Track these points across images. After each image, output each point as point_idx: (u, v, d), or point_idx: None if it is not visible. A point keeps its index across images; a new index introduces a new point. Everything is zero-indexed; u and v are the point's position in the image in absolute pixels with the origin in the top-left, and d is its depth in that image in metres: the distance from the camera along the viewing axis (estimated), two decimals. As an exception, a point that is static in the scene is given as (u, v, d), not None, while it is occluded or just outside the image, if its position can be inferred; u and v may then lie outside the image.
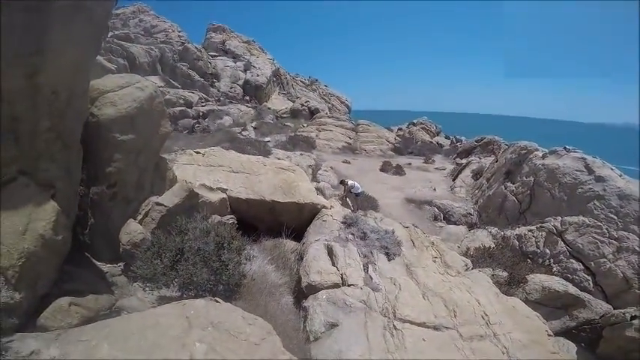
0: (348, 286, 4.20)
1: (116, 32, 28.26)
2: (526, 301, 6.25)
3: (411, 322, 3.85)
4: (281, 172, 7.88)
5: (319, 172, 11.84)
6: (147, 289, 4.47)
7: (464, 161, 18.04)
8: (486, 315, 4.43)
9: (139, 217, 5.30)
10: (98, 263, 5.14)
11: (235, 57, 36.35)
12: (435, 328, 3.95)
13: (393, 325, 3.69)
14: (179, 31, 34.90)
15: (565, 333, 6.83)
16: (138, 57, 26.05)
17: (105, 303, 4.30)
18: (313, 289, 4.19)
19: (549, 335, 4.97)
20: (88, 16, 3.61)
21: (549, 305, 6.80)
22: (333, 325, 3.62)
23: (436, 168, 18.30)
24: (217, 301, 3.35)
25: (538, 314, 5.27)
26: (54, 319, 3.57)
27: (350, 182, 8.00)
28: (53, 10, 3.17)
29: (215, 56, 35.41)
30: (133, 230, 5.00)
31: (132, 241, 4.91)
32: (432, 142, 27.69)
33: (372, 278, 4.34)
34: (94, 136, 4.49)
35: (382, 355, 3.26)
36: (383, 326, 3.66)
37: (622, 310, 6.65)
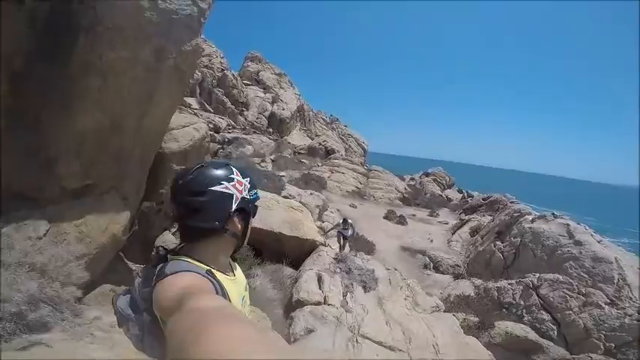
0: (328, 305, 5.25)
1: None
2: (489, 344, 7.11)
3: (371, 340, 4.81)
4: (290, 211, 9.22)
5: (325, 212, 13.07)
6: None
7: (466, 218, 18.92)
8: (437, 345, 5.35)
9: (173, 230, 6.49)
10: (128, 262, 5.81)
11: (266, 88, 38.21)
12: (390, 348, 4.90)
13: (356, 339, 4.71)
14: (221, 58, 35.80)
15: (523, 376, 7.45)
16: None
17: (131, 294, 5.37)
18: (301, 304, 5.27)
19: (494, 371, 5.71)
20: (181, 77, 4.68)
21: (510, 349, 7.53)
22: (311, 331, 4.65)
23: (439, 222, 19.13)
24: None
25: (490, 353, 6.03)
26: (95, 299, 4.28)
27: (346, 226, 8.98)
28: (163, 71, 4.25)
29: (248, 85, 37.21)
30: (167, 240, 6.16)
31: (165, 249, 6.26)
32: (441, 195, 28.53)
33: (347, 302, 5.41)
34: (157, 164, 5.54)
35: (342, 356, 4.33)
36: (348, 338, 4.67)
37: (575, 356, 7.51)
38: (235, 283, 1.06)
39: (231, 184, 1.00)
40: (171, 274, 0.85)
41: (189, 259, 0.95)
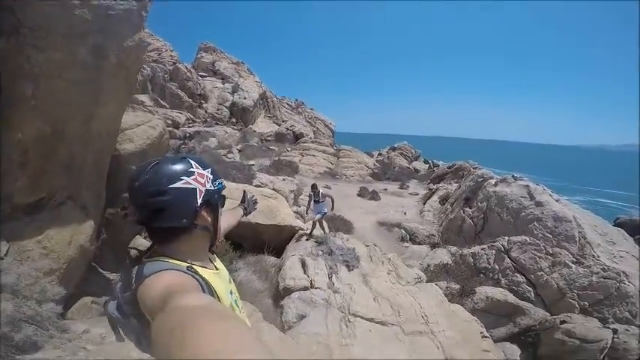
0: (315, 288, 5.29)
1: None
2: (474, 310, 7.33)
3: (362, 317, 4.91)
4: (264, 199, 9.02)
5: (300, 196, 12.99)
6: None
7: (435, 187, 19.61)
8: (426, 316, 5.51)
9: (144, 234, 6.23)
10: (103, 271, 5.83)
11: (224, 78, 36.79)
12: (382, 323, 5.02)
13: (348, 318, 4.79)
14: (171, 51, 34.48)
15: (511, 339, 7.78)
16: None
17: (113, 304, 5.33)
18: (288, 291, 5.28)
19: (484, 337, 5.81)
20: (126, 74, 4.47)
21: (494, 313, 7.87)
22: (302, 317, 4.69)
23: (410, 193, 19.73)
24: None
25: (476, 319, 6.21)
26: (78, 313, 4.40)
27: (318, 196, 7.79)
28: (105, 70, 3.99)
29: (204, 76, 35.71)
30: (139, 244, 6.08)
31: (138, 254, 5.90)
32: (409, 167, 29.40)
33: (334, 284, 5.47)
34: (115, 167, 5.33)
35: (337, 337, 4.39)
36: (340, 318, 4.74)
37: (555, 316, 7.84)
38: (220, 276, 1.03)
39: (191, 177, 0.95)
40: (151, 274, 0.81)
41: (166, 259, 0.91)
